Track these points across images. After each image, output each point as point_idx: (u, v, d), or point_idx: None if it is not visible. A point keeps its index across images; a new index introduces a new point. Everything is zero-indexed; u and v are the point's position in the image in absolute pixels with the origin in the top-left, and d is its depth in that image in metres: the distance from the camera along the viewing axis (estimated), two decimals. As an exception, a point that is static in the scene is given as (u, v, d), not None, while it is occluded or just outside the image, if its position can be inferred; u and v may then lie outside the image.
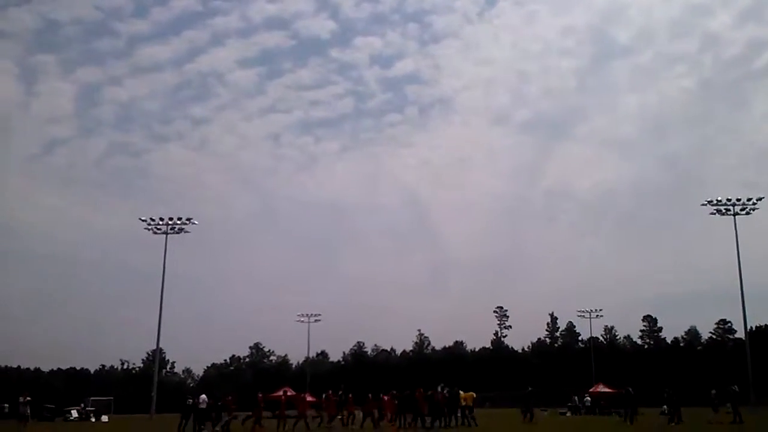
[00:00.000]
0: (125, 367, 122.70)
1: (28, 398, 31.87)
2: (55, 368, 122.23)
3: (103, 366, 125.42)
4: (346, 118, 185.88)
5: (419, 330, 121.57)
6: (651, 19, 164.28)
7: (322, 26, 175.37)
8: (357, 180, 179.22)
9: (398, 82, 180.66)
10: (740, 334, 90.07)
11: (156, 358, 65.34)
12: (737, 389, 32.65)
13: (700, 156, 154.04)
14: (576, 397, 61.23)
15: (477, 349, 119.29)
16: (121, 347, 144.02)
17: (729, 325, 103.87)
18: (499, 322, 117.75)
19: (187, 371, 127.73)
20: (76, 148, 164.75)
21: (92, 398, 73.85)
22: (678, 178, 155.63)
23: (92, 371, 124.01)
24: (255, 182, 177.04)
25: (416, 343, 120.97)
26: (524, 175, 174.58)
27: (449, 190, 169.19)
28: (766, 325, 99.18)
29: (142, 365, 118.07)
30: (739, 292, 56.06)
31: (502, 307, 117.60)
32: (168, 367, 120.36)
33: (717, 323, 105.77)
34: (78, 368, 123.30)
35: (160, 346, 62.74)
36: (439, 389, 31.86)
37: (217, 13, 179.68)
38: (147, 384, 74.67)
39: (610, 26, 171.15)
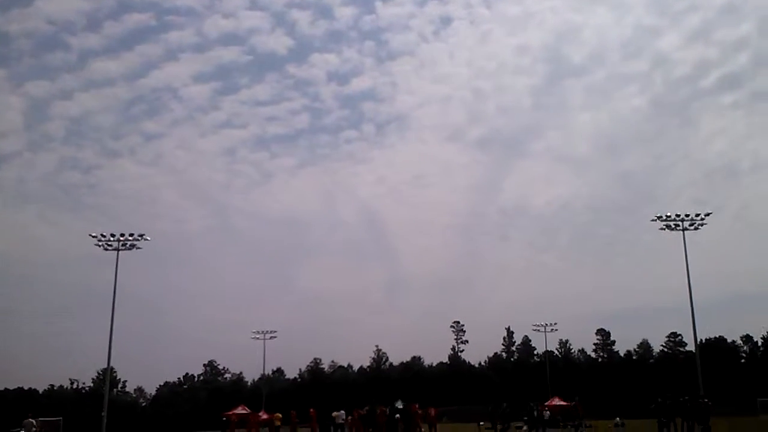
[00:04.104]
0: (75, 386, 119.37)
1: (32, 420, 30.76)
2: (1, 388, 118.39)
3: (52, 386, 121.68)
4: (302, 134, 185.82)
5: (377, 346, 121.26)
6: (603, 40, 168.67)
7: (279, 42, 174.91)
8: (313, 196, 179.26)
9: (355, 99, 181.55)
10: (691, 346, 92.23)
11: (107, 377, 63.69)
12: (708, 402, 33.09)
13: (651, 173, 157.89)
14: (535, 411, 61.51)
15: (434, 364, 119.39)
16: (71, 366, 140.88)
17: (680, 337, 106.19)
18: (456, 337, 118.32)
19: (139, 390, 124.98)
20: (25, 163, 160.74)
21: (41, 419, 71.48)
22: (631, 195, 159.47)
23: (41, 391, 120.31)
24: (210, 198, 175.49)
25: (374, 359, 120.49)
26: (480, 192, 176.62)
27: (406, 206, 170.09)
28: (715, 337, 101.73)
29: (92, 384, 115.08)
30: (689, 305, 57.19)
31: (459, 322, 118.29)
32: (119, 386, 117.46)
33: (668, 336, 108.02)
34: (26, 388, 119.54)
35: (112, 364, 61.11)
36: (398, 405, 32.11)
37: (171, 28, 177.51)
38: (98, 404, 72.79)
39: (564, 46, 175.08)
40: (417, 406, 34.07)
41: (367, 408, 34.58)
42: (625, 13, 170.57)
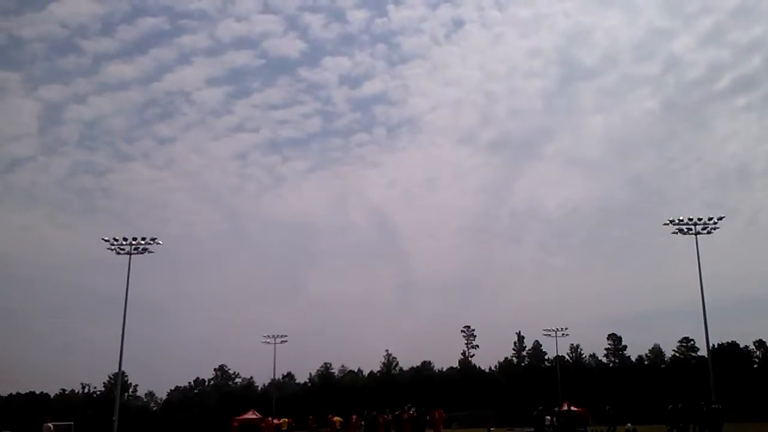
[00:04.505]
0: (86, 390, 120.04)
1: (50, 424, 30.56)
2: (13, 392, 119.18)
3: (64, 390, 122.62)
4: (314, 138, 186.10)
5: (387, 350, 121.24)
6: (615, 42, 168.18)
7: (291, 46, 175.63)
8: (325, 199, 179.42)
9: (366, 102, 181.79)
10: (703, 351, 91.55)
11: (118, 382, 63.76)
12: (720, 407, 32.90)
13: (664, 176, 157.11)
14: (549, 417, 61.25)
15: (445, 369, 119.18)
16: (83, 370, 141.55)
17: (692, 342, 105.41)
18: (466, 342, 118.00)
19: (150, 394, 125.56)
20: (38, 167, 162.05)
21: (52, 423, 71.86)
22: (642, 198, 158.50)
23: (52, 395, 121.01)
24: (221, 201, 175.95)
25: (384, 363, 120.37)
26: (492, 195, 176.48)
27: (417, 209, 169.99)
28: (727, 342, 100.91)
29: (103, 388, 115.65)
30: (701, 309, 56.69)
31: (469, 327, 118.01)
32: (130, 390, 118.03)
33: (680, 341, 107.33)
34: (37, 392, 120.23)
35: (123, 368, 61.27)
36: (408, 409, 32.22)
37: (184, 32, 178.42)
38: (109, 408, 72.99)
39: (576, 49, 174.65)
40: (441, 411, 34.79)
41: (397, 412, 35.00)
42: (637, 16, 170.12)
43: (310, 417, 49.95)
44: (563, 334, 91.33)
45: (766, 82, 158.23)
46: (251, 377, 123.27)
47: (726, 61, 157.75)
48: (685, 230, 57.23)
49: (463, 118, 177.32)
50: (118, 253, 56.81)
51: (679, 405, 34.44)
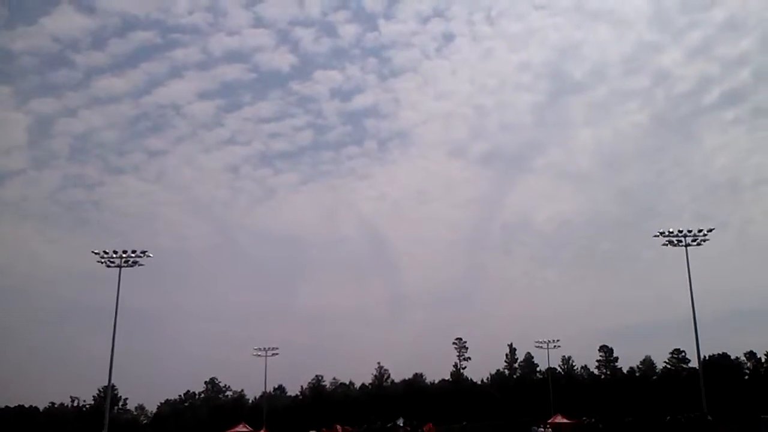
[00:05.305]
0: (76, 404, 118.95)
1: None
2: (2, 406, 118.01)
3: (53, 403, 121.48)
4: (305, 151, 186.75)
5: (379, 363, 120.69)
6: (604, 56, 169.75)
7: (282, 60, 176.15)
8: (316, 212, 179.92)
9: (357, 116, 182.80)
10: (694, 363, 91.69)
11: (107, 395, 63.38)
12: (711, 419, 32.99)
13: (653, 189, 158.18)
14: (542, 429, 61.25)
15: (437, 381, 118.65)
16: (72, 383, 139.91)
17: (683, 354, 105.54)
18: (458, 354, 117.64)
19: (140, 408, 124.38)
20: (29, 180, 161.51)
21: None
22: (632, 211, 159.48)
23: (41, 409, 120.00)
24: (213, 214, 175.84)
25: (376, 375, 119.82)
26: (482, 208, 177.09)
27: (408, 222, 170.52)
28: (718, 354, 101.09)
29: (93, 402, 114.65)
30: (692, 321, 56.91)
31: (461, 339, 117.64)
32: (120, 403, 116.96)
33: (671, 353, 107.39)
34: (27, 406, 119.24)
35: (113, 381, 60.86)
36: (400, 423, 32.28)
37: (176, 46, 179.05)
38: (98, 421, 72.48)
39: (566, 63, 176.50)
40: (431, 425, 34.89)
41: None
42: (626, 30, 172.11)
43: (323, 429, 49.46)
44: (555, 346, 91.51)
45: (755, 95, 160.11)
46: (242, 390, 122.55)
47: (714, 75, 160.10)
48: (675, 242, 57.62)
49: (453, 132, 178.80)
50: (108, 266, 56.70)
51: (681, 418, 34.50)
